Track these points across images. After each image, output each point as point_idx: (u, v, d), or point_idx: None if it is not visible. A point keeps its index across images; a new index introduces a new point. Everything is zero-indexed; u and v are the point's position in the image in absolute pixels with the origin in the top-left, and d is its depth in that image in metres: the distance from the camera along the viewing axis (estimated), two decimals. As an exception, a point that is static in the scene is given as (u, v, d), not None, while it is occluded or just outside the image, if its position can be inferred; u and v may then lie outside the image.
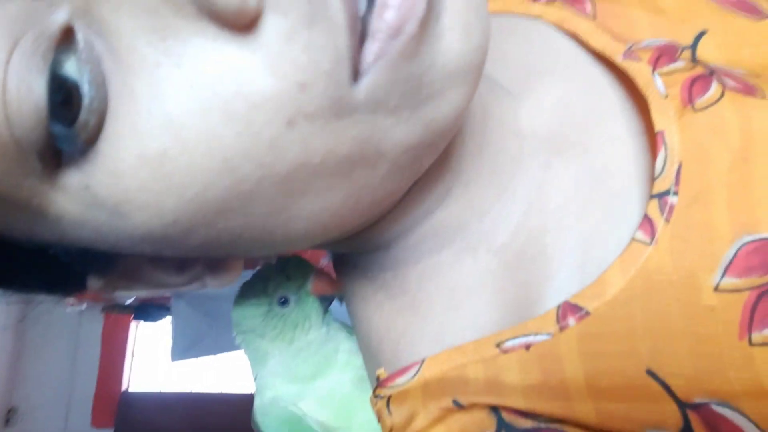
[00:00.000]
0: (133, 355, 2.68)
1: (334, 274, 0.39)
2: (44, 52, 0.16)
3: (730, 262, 0.20)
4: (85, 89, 0.16)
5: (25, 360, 2.51)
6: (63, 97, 0.16)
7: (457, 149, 0.25)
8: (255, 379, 0.48)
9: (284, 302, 0.44)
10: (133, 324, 2.61)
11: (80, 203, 0.18)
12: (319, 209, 0.20)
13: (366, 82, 0.17)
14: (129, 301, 2.02)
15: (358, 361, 0.46)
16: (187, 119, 0.16)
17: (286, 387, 0.45)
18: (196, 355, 1.99)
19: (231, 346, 1.96)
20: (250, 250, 0.24)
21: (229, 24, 0.16)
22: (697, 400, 0.20)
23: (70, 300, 2.15)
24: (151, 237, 0.19)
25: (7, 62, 0.15)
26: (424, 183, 0.24)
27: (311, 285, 0.44)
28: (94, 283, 0.25)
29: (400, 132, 0.18)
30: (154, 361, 2.67)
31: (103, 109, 0.16)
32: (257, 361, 0.47)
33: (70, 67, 0.16)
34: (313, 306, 0.45)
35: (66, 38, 0.16)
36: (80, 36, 0.16)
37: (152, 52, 0.16)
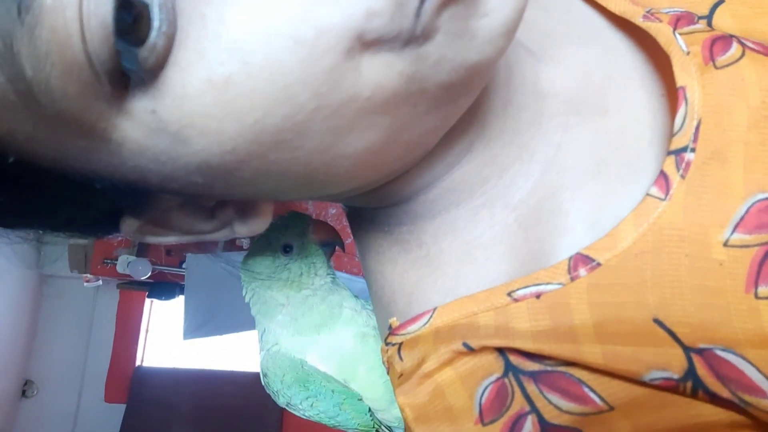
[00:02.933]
0: (147, 332, 2.72)
1: (337, 228, 0.41)
2: None
3: (741, 219, 0.21)
4: (155, 12, 0.16)
5: (41, 335, 2.56)
6: (134, 18, 0.16)
7: (483, 104, 0.26)
8: (262, 334, 0.49)
9: (288, 250, 0.45)
10: (147, 301, 2.65)
11: (144, 128, 0.19)
12: (362, 148, 0.21)
13: (425, 18, 0.18)
14: (144, 278, 2.04)
15: (360, 318, 0.47)
16: (254, 44, 0.17)
17: (292, 340, 0.46)
18: (208, 334, 2.01)
19: (242, 326, 2.00)
20: (290, 191, 0.25)
21: None
22: (702, 345, 0.20)
23: (87, 276, 2.19)
24: (207, 166, 0.20)
25: None
26: (449, 136, 0.25)
27: (311, 232, 0.46)
28: (127, 225, 0.25)
29: (442, 70, 0.19)
30: (168, 338, 2.71)
31: (172, 33, 0.17)
32: (265, 314, 0.48)
33: None
34: (316, 253, 0.46)
35: None
36: None
37: None
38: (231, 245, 2.17)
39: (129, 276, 2.07)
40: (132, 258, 2.03)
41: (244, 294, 0.48)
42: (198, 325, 2.01)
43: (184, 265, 2.03)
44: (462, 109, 0.23)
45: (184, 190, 0.23)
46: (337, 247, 0.48)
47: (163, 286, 2.29)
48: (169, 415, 2.52)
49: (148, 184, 0.22)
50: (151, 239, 0.27)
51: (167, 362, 2.70)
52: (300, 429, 2.53)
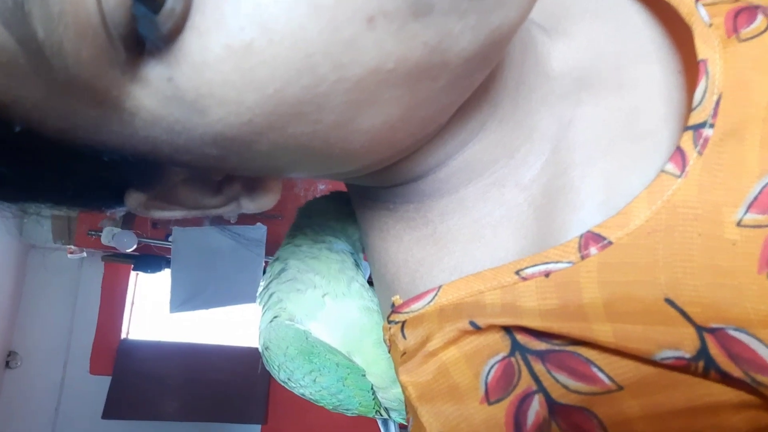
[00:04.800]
0: (132, 305, 2.71)
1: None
2: None
3: (755, 199, 0.20)
4: None
5: (24, 305, 2.54)
6: None
7: (497, 82, 0.25)
8: (269, 286, 0.47)
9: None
10: (132, 274, 2.63)
11: (159, 97, 0.18)
12: (380, 123, 0.20)
13: None
14: (129, 250, 2.02)
15: (367, 294, 0.45)
16: (275, 10, 0.16)
17: (299, 297, 0.44)
18: (194, 308, 2.02)
19: (228, 301, 1.99)
20: (305, 167, 0.24)
21: None
22: (714, 325, 0.20)
23: (71, 248, 2.16)
24: (223, 138, 0.19)
25: None
26: (463, 114, 0.24)
27: None
28: (132, 199, 0.24)
29: (465, 39, 0.19)
30: (154, 311, 2.70)
31: None
32: (287, 252, 0.46)
33: None
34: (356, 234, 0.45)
35: None
36: None
37: None
38: (219, 219, 2.15)
39: (114, 248, 2.05)
40: (117, 230, 2.00)
41: (291, 227, 0.47)
42: (185, 299, 2.01)
43: (170, 238, 2.02)
44: (477, 83, 0.22)
45: (196, 163, 0.22)
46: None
47: (149, 259, 2.27)
48: (155, 387, 2.53)
49: (159, 156, 0.21)
50: (157, 214, 0.26)
51: (153, 335, 2.69)
52: (286, 404, 2.56)
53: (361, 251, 0.46)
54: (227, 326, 2.65)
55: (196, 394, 2.54)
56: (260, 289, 0.48)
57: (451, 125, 0.25)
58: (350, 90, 0.18)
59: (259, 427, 2.59)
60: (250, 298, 1.94)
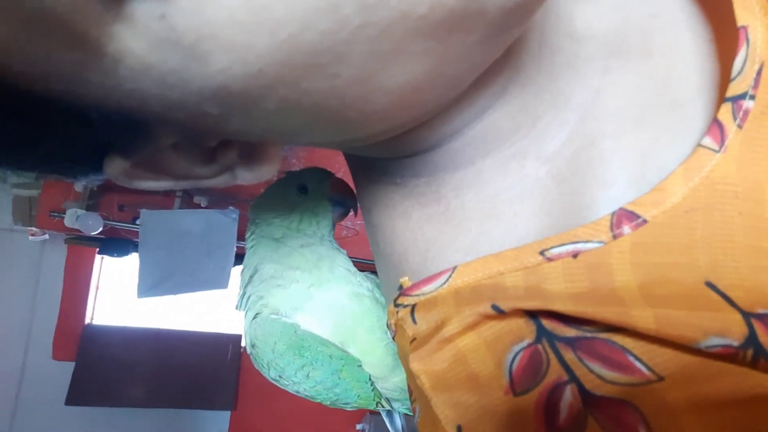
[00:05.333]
0: (97, 289, 2.64)
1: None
2: None
3: None
4: None
5: (-18, 289, 2.45)
6: None
7: (519, 43, 0.23)
8: (246, 290, 0.45)
9: (303, 190, 0.43)
10: (98, 257, 2.55)
11: (150, 39, 0.15)
12: (404, 81, 0.18)
13: None
14: (94, 233, 1.95)
15: (354, 278, 0.44)
16: None
17: (281, 292, 0.43)
18: (163, 293, 1.97)
19: (197, 286, 1.96)
20: (315, 131, 0.21)
21: None
22: (761, 310, 0.19)
23: (32, 229, 2.08)
24: (226, 93, 0.17)
25: None
26: (483, 77, 0.22)
27: (330, 183, 0.44)
28: (113, 166, 0.22)
29: None
30: (120, 296, 2.63)
31: None
32: (255, 253, 0.44)
33: None
34: (324, 211, 0.44)
35: None
36: None
37: None
38: (189, 203, 2.10)
39: (78, 231, 1.98)
40: (81, 212, 1.93)
41: (247, 232, 0.46)
42: (153, 284, 1.96)
43: (138, 221, 1.96)
44: (511, 40, 0.20)
45: (191, 124, 0.19)
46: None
47: (115, 243, 2.20)
48: (121, 374, 2.48)
49: (147, 113, 0.18)
50: (141, 184, 0.23)
51: (119, 321, 2.63)
52: (256, 391, 2.54)
53: (331, 222, 0.45)
54: (196, 312, 2.60)
55: (164, 381, 2.50)
56: (237, 299, 0.46)
57: (472, 89, 0.23)
58: (375, 38, 0.16)
59: (228, 413, 2.57)
60: (221, 283, 1.91)
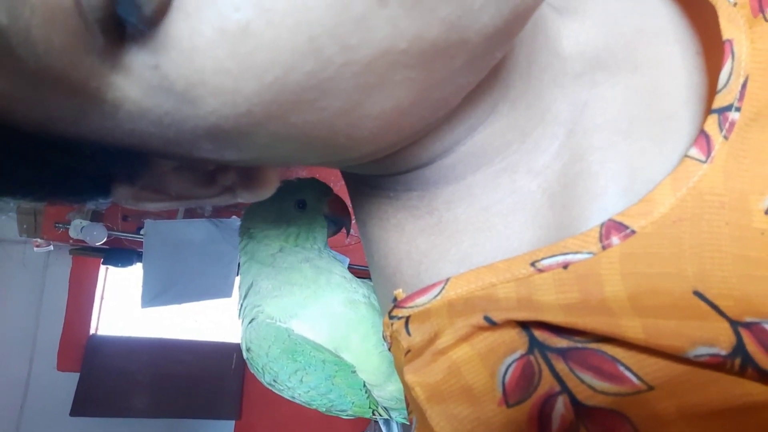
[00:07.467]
0: (102, 299, 2.64)
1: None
2: None
3: None
4: None
5: (-12, 300, 2.45)
6: None
7: (509, 62, 0.24)
8: (243, 297, 0.46)
9: (301, 206, 0.44)
10: (102, 268, 2.56)
11: (145, 87, 0.16)
12: (391, 107, 0.19)
13: None
14: (99, 243, 1.96)
15: (350, 285, 0.44)
16: None
17: (277, 302, 0.43)
18: (167, 303, 1.98)
19: (201, 295, 1.96)
20: (306, 156, 0.22)
21: None
22: (749, 319, 0.19)
23: (37, 240, 2.09)
24: (218, 131, 0.18)
25: None
26: (474, 96, 0.23)
27: (327, 201, 0.44)
28: (120, 192, 0.23)
29: (487, 14, 0.17)
30: (124, 306, 2.64)
31: None
32: (252, 266, 0.45)
33: None
34: (320, 226, 0.45)
35: None
36: None
37: None
38: (192, 212, 2.11)
39: (82, 241, 1.99)
40: (86, 223, 1.94)
41: (240, 242, 0.46)
42: (157, 293, 1.97)
43: (142, 231, 1.97)
44: (495, 62, 0.21)
45: (189, 156, 0.20)
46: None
47: (119, 253, 2.21)
48: (126, 384, 2.48)
49: (147, 149, 0.19)
50: (147, 206, 0.24)
51: (123, 331, 2.63)
52: (260, 399, 2.53)
53: (326, 236, 0.46)
54: (200, 321, 2.61)
55: (168, 391, 2.50)
56: (237, 310, 0.47)
57: (462, 108, 0.23)
58: (359, 73, 0.17)
59: (232, 422, 2.56)
60: (225, 292, 1.91)
